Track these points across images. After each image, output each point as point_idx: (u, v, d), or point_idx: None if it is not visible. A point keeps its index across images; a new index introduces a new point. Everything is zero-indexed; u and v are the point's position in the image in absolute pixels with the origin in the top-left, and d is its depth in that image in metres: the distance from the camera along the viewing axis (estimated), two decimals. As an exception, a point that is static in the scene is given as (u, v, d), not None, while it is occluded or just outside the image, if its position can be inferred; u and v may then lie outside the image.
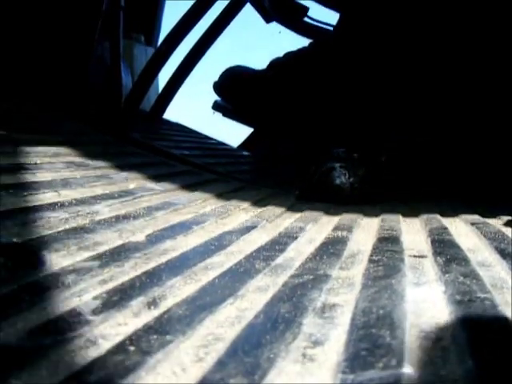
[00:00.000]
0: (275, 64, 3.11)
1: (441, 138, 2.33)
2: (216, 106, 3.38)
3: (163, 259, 0.95)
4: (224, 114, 3.37)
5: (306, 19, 3.44)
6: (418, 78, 2.47)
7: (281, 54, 3.16)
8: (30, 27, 2.25)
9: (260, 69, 3.19)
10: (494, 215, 1.48)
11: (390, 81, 2.54)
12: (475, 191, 1.98)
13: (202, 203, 1.50)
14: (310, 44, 3.15)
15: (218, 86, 3.26)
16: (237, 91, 3.17)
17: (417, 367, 0.55)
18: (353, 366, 0.56)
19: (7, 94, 2.06)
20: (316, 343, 0.62)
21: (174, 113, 3.47)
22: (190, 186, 1.70)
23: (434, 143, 2.32)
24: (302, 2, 3.44)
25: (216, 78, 3.26)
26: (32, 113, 2.05)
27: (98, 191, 1.35)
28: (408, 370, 0.54)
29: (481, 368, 0.54)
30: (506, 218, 1.42)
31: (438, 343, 0.61)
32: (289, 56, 3.10)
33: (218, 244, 1.09)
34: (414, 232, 1.29)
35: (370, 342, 0.61)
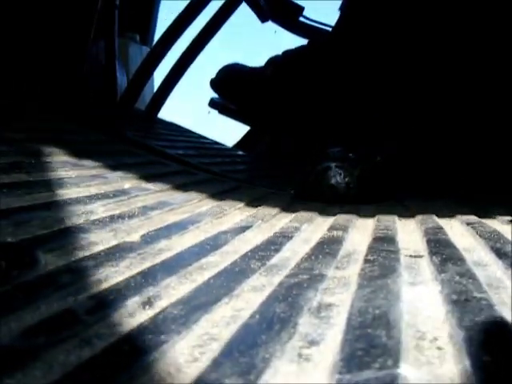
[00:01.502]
0: (273, 62, 3.11)
1: (436, 135, 2.34)
2: (212, 103, 3.38)
3: (158, 259, 0.95)
4: (220, 112, 3.37)
5: (301, 19, 3.44)
6: (415, 76, 2.47)
7: (278, 53, 3.16)
8: (25, 27, 2.24)
9: (258, 66, 3.19)
10: (489, 215, 1.48)
11: (387, 79, 2.54)
12: (471, 190, 1.98)
13: (197, 203, 1.50)
14: (309, 43, 3.15)
15: (215, 83, 3.25)
16: (234, 88, 3.17)
17: (413, 367, 0.54)
18: (349, 366, 0.55)
19: (3, 92, 2.05)
20: (312, 343, 0.62)
21: (168, 112, 3.47)
22: (185, 186, 1.70)
23: (428, 142, 2.32)
24: (297, 2, 3.44)
25: (211, 77, 3.26)
26: (27, 112, 2.04)
27: (93, 191, 1.35)
28: (404, 370, 0.54)
29: (477, 368, 0.54)
30: (502, 218, 1.42)
31: (434, 343, 0.61)
32: (287, 54, 3.10)
33: (214, 244, 1.09)
34: (409, 232, 1.29)
35: (366, 342, 0.60)
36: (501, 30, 2.32)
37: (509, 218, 1.41)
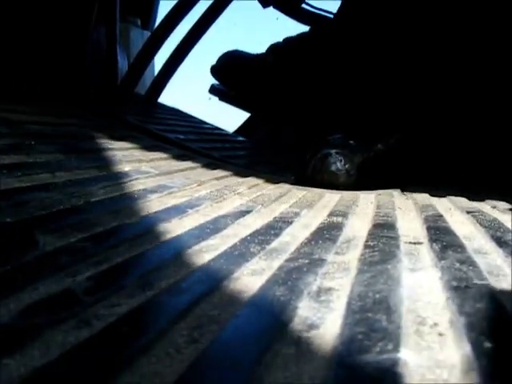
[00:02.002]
0: (275, 49, 3.10)
1: (436, 126, 2.33)
2: (213, 90, 3.36)
3: (158, 242, 0.94)
4: (221, 98, 3.36)
5: (303, 6, 3.42)
6: (416, 64, 2.46)
7: (279, 39, 3.14)
8: (26, 13, 2.23)
9: (259, 53, 3.17)
10: (489, 203, 1.48)
11: (387, 66, 2.53)
12: (471, 178, 1.97)
13: (196, 187, 1.49)
14: (310, 29, 3.14)
15: (216, 70, 3.24)
16: (235, 75, 3.16)
17: (414, 352, 0.54)
18: (349, 349, 0.55)
19: (4, 77, 2.05)
20: (311, 327, 0.61)
21: (169, 97, 3.46)
22: (184, 170, 1.70)
23: (429, 131, 2.32)
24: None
25: (212, 64, 3.25)
26: (28, 95, 2.04)
27: (93, 173, 1.34)
28: (405, 354, 0.54)
29: (478, 354, 0.54)
30: (502, 207, 1.42)
31: (434, 328, 0.60)
32: (288, 41, 3.08)
33: (213, 227, 1.08)
34: (409, 219, 1.29)
35: (367, 326, 0.60)
36: (503, 26, 2.31)
37: (509, 206, 1.41)
